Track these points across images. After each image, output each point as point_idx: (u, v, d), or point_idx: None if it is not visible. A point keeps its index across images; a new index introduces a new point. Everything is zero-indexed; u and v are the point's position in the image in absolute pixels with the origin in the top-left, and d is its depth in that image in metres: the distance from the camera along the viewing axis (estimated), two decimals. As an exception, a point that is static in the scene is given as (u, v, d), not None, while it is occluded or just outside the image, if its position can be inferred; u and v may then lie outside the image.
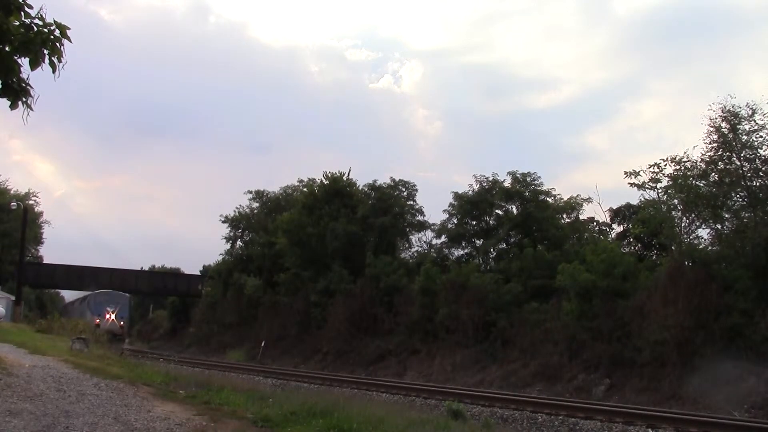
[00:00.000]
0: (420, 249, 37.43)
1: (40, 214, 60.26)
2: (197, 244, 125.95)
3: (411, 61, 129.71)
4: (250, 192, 52.07)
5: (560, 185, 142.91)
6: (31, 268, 51.46)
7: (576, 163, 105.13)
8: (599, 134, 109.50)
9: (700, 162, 22.38)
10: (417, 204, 38.45)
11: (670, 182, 23.06)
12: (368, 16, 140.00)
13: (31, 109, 5.07)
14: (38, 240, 60.56)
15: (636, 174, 23.98)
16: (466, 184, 34.21)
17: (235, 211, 52.24)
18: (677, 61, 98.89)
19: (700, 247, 22.75)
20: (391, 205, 37.25)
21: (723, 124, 21.71)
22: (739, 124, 21.50)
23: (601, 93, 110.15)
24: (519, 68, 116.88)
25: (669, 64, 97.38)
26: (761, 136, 21.35)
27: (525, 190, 31.82)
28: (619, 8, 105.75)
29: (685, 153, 22.84)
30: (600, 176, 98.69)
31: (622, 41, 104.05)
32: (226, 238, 52.21)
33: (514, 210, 32.27)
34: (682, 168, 22.70)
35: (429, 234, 37.15)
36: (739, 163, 21.74)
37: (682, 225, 23.25)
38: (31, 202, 56.10)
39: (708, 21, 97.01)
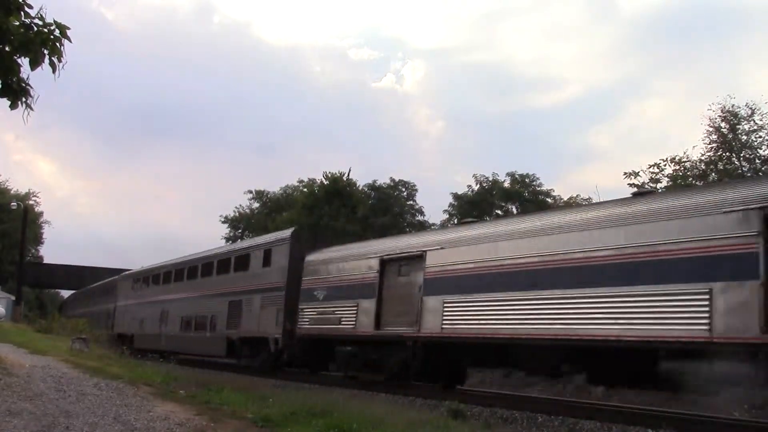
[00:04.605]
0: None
1: (41, 214, 60.48)
2: (197, 244, 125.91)
3: (413, 60, 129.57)
4: (251, 192, 52.17)
5: (563, 185, 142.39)
6: (31, 268, 51.47)
7: (579, 162, 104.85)
8: (603, 134, 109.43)
9: (700, 162, 22.43)
10: (417, 204, 38.58)
11: (670, 182, 23.08)
12: (371, 15, 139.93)
13: (32, 108, 5.08)
14: (38, 240, 60.71)
15: (636, 174, 24.05)
16: (468, 185, 34.34)
17: (234, 211, 52.30)
18: (682, 60, 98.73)
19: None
20: (391, 205, 37.30)
21: (722, 125, 21.76)
22: (738, 124, 21.55)
23: (605, 92, 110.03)
24: (522, 67, 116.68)
25: (674, 64, 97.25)
26: (761, 136, 21.42)
27: (524, 191, 31.90)
28: (623, 7, 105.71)
29: (684, 153, 22.94)
30: (602, 176, 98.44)
31: (626, 40, 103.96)
32: (226, 238, 52.24)
33: (514, 210, 32.32)
34: (682, 168, 22.75)
35: (429, 234, 37.27)
36: (738, 163, 21.77)
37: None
38: (31, 202, 56.30)
39: (714, 20, 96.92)
